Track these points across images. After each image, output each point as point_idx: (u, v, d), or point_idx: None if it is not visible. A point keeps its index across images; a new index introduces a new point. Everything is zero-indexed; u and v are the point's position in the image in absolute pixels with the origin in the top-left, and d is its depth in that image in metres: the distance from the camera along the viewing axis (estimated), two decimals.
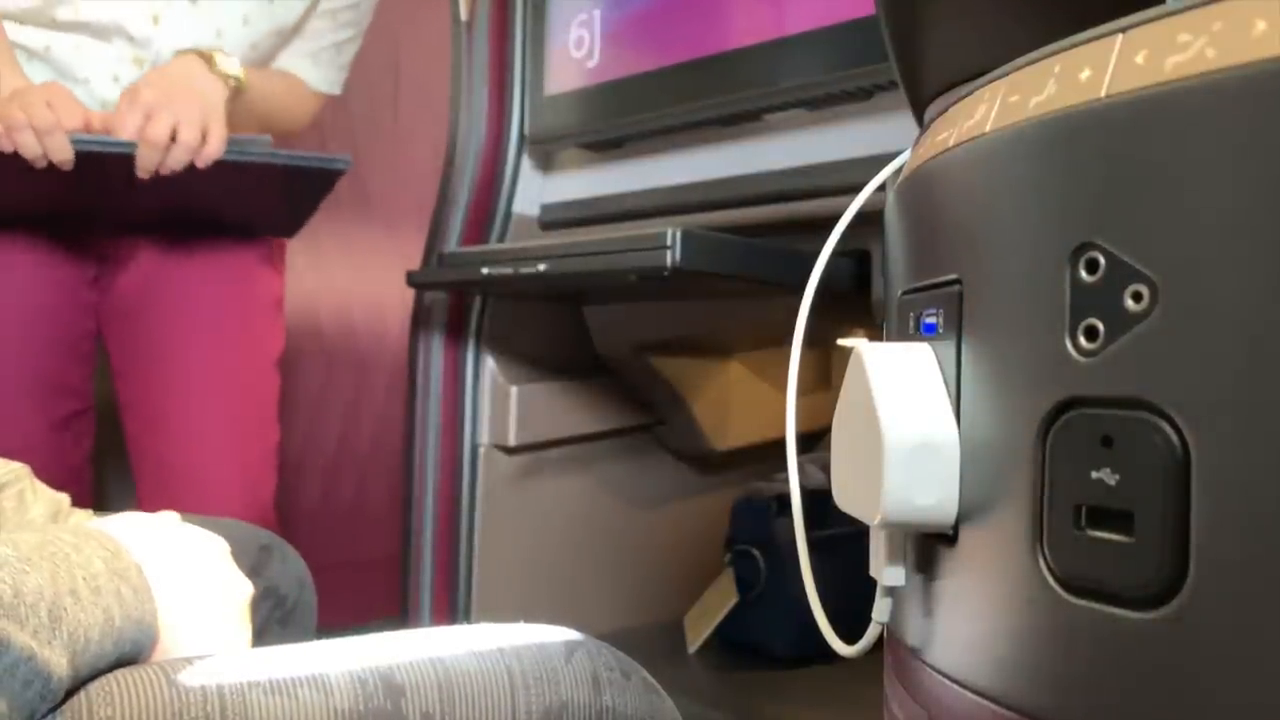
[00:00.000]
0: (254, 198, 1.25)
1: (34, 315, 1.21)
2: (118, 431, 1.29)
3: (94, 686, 0.45)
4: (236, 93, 1.19)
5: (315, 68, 1.36)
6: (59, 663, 0.43)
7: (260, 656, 0.50)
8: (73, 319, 1.25)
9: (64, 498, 0.70)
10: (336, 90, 1.40)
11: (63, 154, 1.06)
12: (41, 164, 1.06)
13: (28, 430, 1.19)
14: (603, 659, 0.55)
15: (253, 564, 0.77)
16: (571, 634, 0.57)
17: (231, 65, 1.19)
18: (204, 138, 1.10)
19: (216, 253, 1.28)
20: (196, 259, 1.27)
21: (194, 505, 0.90)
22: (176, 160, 1.09)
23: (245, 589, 0.59)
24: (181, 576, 0.54)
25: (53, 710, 0.45)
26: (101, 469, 1.35)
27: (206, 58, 1.17)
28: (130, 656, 0.48)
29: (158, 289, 1.26)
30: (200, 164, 1.10)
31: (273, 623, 0.79)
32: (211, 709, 0.45)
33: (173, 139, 1.09)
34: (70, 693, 0.45)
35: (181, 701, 0.45)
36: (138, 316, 1.26)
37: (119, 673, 0.47)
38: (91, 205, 1.20)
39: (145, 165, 1.09)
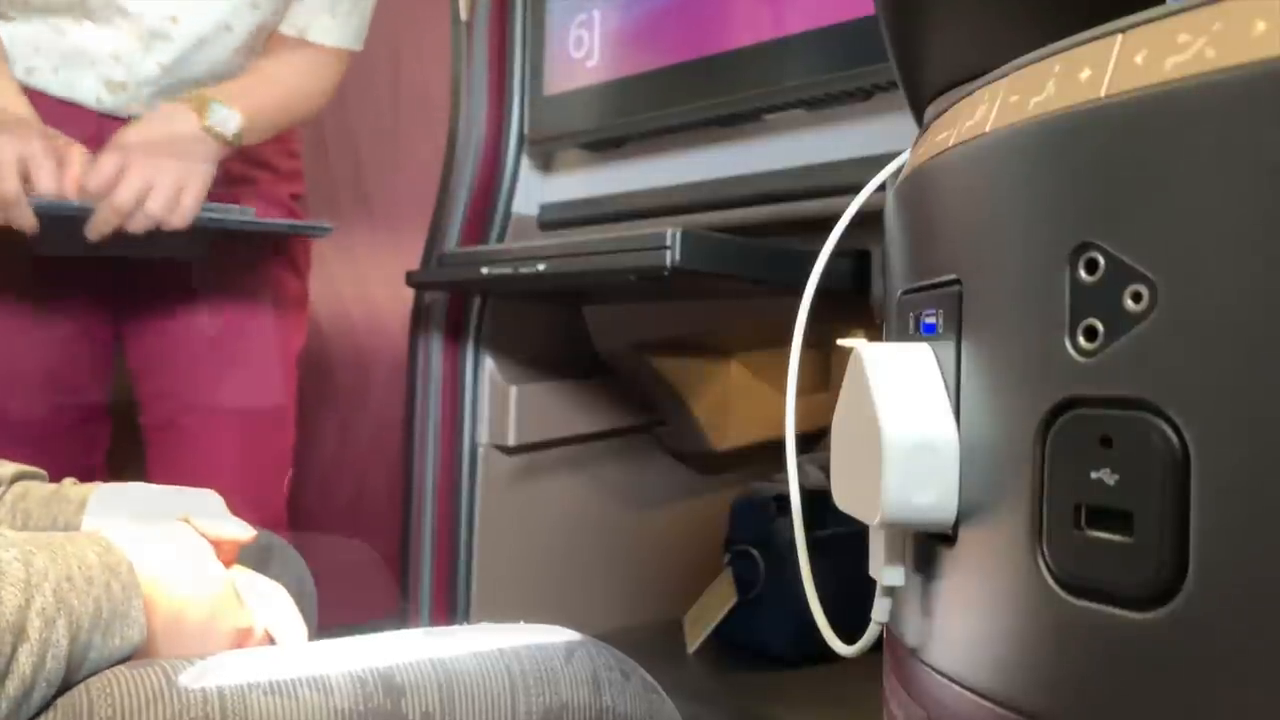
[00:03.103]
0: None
1: (50, 316, 1.20)
2: (136, 434, 1.28)
3: (95, 686, 0.45)
4: (232, 146, 1.13)
5: (334, 20, 1.24)
6: (64, 641, 0.44)
7: (260, 657, 0.50)
8: (90, 321, 1.23)
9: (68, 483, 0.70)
10: (358, 45, 1.27)
11: (26, 222, 1.03)
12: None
13: (40, 432, 1.19)
14: (602, 659, 0.55)
15: (253, 564, 0.76)
16: (571, 634, 0.57)
17: (228, 123, 1.11)
18: (175, 200, 1.05)
19: (235, 251, 1.26)
20: (216, 258, 1.24)
21: None
22: (137, 226, 1.06)
23: (238, 622, 0.58)
24: (170, 580, 0.54)
25: (54, 698, 0.45)
26: (121, 473, 1.35)
27: (200, 108, 1.10)
28: (118, 653, 0.49)
29: (176, 288, 1.24)
30: (164, 228, 1.07)
31: None
32: (211, 709, 0.45)
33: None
34: (64, 686, 0.45)
35: (181, 702, 0.45)
36: (156, 315, 1.25)
37: (119, 672, 0.47)
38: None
39: (99, 229, 1.05)
